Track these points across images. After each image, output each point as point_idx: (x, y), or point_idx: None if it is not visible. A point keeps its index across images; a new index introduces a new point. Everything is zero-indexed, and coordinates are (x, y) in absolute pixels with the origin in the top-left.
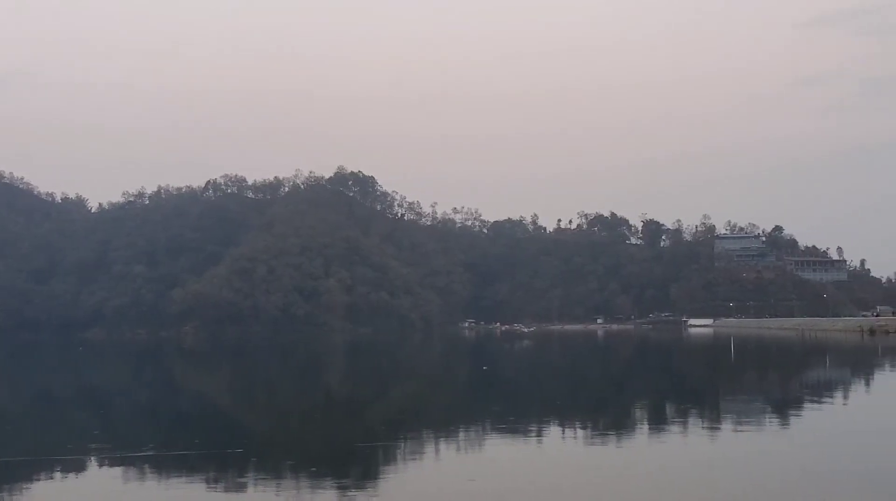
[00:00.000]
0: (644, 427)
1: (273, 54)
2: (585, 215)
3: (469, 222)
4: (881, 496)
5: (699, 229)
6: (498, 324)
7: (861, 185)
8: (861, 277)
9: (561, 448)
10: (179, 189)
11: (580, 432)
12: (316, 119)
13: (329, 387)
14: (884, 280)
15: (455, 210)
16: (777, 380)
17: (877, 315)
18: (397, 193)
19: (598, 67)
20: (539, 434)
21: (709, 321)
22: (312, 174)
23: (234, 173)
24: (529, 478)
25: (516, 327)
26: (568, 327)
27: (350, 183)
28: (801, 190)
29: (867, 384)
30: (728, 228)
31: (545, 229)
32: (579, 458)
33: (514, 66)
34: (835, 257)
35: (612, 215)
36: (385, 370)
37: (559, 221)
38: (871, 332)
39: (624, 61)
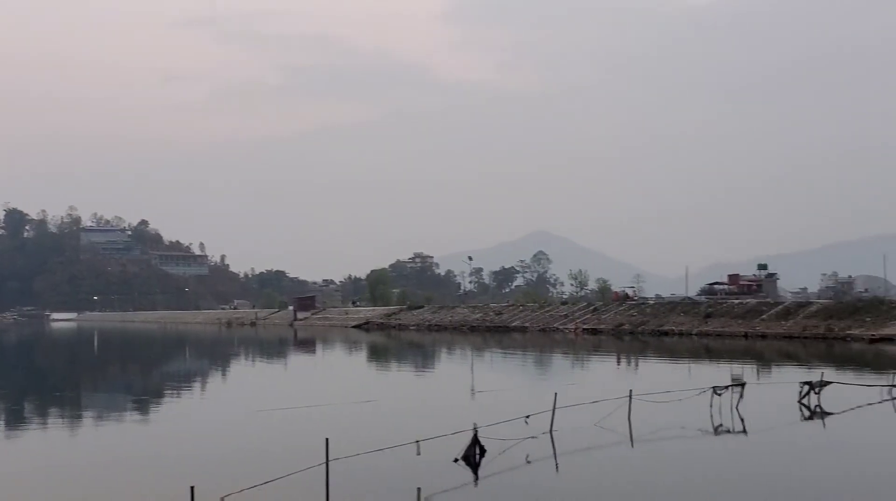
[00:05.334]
0: None
1: None
2: None
3: None
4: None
5: (65, 220)
6: None
7: (224, 182)
8: (221, 272)
9: None
10: None
11: None
12: None
13: None
14: (241, 275)
15: None
16: (139, 372)
17: (234, 308)
18: None
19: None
20: None
21: (73, 315)
22: None
23: None
24: None
25: None
26: None
27: None
28: (167, 185)
29: (224, 372)
30: (95, 220)
31: None
32: None
33: None
34: (197, 252)
35: None
36: None
37: None
38: (229, 324)
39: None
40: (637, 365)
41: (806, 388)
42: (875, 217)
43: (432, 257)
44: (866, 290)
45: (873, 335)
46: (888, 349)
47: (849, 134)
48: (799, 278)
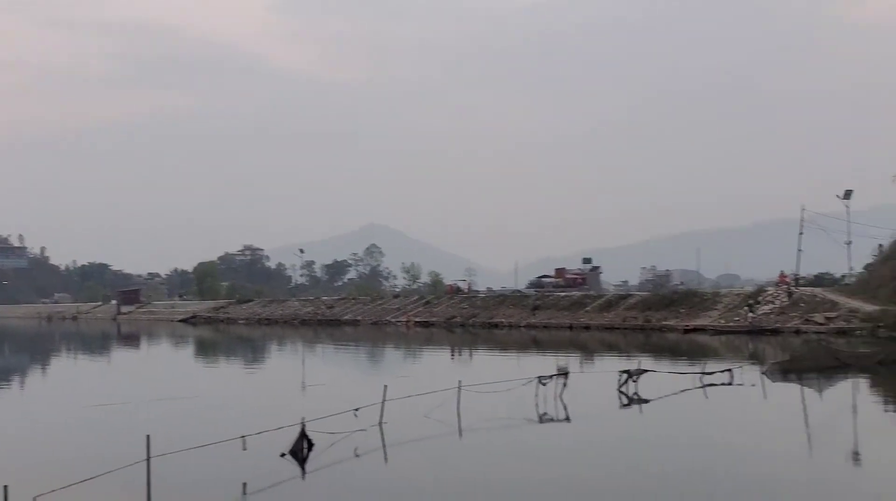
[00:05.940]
0: None
1: None
2: None
3: None
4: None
5: None
6: None
7: (41, 173)
8: (42, 264)
9: None
10: None
11: None
12: None
13: None
14: (63, 268)
15: None
16: None
17: (55, 302)
18: None
19: None
20: None
21: None
22: None
23: None
24: None
25: None
26: None
27: None
28: None
29: (43, 369)
30: None
31: None
32: None
33: None
34: (16, 243)
35: None
36: None
37: None
38: (49, 319)
39: None
40: (469, 357)
41: (624, 377)
42: (689, 215)
43: (262, 249)
44: (682, 283)
45: (687, 325)
46: (700, 339)
47: (666, 141)
48: (621, 272)
